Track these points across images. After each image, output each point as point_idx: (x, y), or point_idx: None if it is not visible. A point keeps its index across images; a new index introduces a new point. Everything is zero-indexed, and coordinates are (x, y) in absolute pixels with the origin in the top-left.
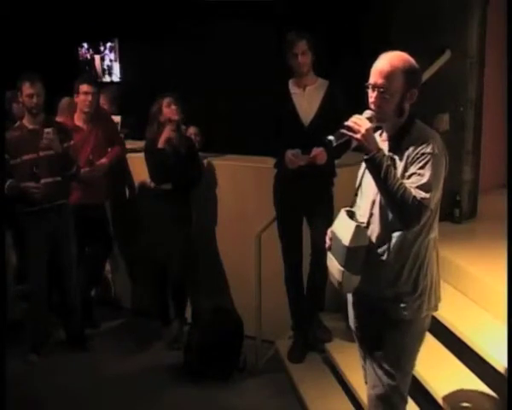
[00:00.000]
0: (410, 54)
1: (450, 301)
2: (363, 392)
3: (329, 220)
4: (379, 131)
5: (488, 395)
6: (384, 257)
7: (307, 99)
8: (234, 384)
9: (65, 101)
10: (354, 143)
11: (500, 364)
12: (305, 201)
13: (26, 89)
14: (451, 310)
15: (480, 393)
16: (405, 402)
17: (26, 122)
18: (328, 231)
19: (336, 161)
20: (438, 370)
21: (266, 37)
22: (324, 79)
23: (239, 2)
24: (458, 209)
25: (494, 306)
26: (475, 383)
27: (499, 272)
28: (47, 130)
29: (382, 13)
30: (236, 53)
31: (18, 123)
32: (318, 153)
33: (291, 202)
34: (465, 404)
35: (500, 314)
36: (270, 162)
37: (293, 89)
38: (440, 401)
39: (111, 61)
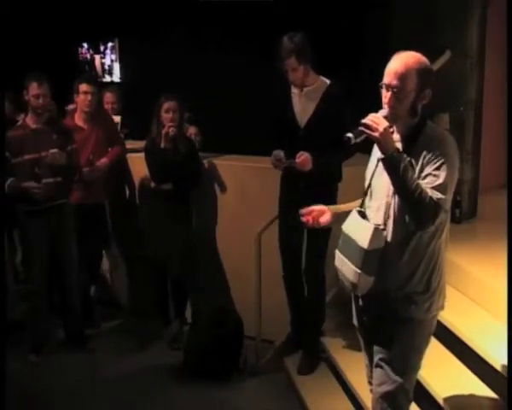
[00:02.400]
0: None
1: (451, 302)
2: (363, 392)
3: (327, 230)
4: (395, 135)
5: (488, 395)
6: (399, 258)
7: (304, 100)
8: (234, 384)
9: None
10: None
11: (500, 364)
12: (305, 205)
13: (33, 89)
14: (451, 310)
15: (481, 393)
16: (410, 402)
17: (29, 121)
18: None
19: None
20: (438, 370)
21: (266, 37)
22: (325, 78)
23: (239, 2)
24: (458, 209)
25: (494, 306)
26: (475, 383)
27: (499, 272)
28: (52, 151)
29: (382, 13)
30: (236, 53)
31: (20, 121)
32: (302, 159)
33: (291, 206)
34: (465, 404)
35: (500, 314)
36: (270, 162)
37: (292, 88)
38: (440, 402)
39: (111, 61)
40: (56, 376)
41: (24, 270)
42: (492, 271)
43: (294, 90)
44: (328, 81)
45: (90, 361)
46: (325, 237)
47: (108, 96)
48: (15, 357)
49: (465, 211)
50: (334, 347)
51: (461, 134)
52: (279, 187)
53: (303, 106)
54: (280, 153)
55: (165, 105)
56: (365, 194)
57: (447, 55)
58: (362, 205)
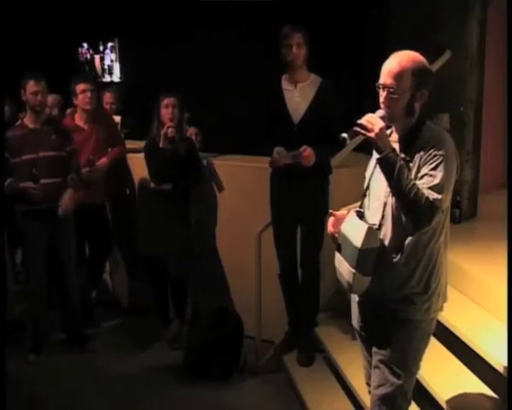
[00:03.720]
0: None
1: (450, 302)
2: (363, 392)
3: (322, 222)
4: (388, 131)
5: (488, 395)
6: (396, 259)
7: (298, 96)
8: (234, 384)
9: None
10: (353, 144)
11: (500, 364)
12: (299, 200)
13: (31, 87)
14: (451, 310)
15: (481, 393)
16: (408, 404)
17: (28, 121)
18: (331, 219)
19: (337, 162)
20: (437, 370)
21: (265, 37)
22: (320, 76)
23: (238, 2)
24: (458, 209)
25: (494, 306)
26: (475, 383)
27: (499, 272)
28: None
29: (382, 13)
30: (236, 53)
31: (19, 122)
32: (306, 153)
33: (284, 202)
34: (465, 404)
35: (500, 314)
36: (272, 159)
37: (285, 85)
38: (440, 402)
39: (111, 61)
40: (56, 376)
41: (23, 270)
42: (492, 271)
43: (287, 87)
44: (319, 78)
45: (90, 361)
46: (321, 231)
47: (107, 97)
48: (15, 357)
49: (465, 211)
50: (334, 346)
51: (461, 134)
52: (270, 186)
53: (297, 102)
54: (283, 149)
55: (165, 101)
56: (364, 195)
57: (447, 55)
58: (361, 205)
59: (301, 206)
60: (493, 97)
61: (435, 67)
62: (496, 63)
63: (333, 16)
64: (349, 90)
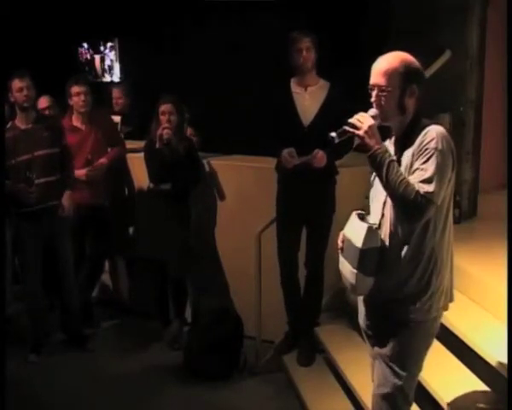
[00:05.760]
0: (411, 54)
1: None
2: (363, 392)
3: (328, 223)
4: (393, 138)
5: (488, 395)
6: (397, 258)
7: (308, 100)
8: (234, 384)
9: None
10: (356, 143)
11: (500, 363)
12: (307, 201)
13: (16, 84)
14: (451, 310)
15: (481, 393)
16: (410, 405)
17: (18, 122)
18: (340, 234)
19: (337, 162)
20: (438, 370)
21: (267, 37)
22: (325, 80)
23: (238, 2)
24: (458, 209)
25: (494, 306)
26: (475, 383)
27: (499, 272)
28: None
29: (382, 13)
30: (236, 53)
31: (10, 123)
32: (319, 156)
33: (292, 203)
34: (465, 404)
35: (500, 314)
36: (270, 162)
37: (294, 88)
38: (440, 402)
39: (111, 61)
40: (56, 376)
41: (20, 271)
42: (492, 271)
43: (297, 90)
44: (328, 83)
45: (90, 361)
46: (327, 232)
47: (115, 92)
48: (15, 357)
49: (465, 211)
50: (334, 346)
51: (461, 134)
52: (277, 188)
53: (307, 105)
54: (293, 150)
55: (162, 107)
56: (366, 196)
57: (447, 55)
58: (364, 207)
59: (309, 207)
60: (493, 97)
61: (435, 66)
62: (496, 63)
63: (332, 16)
64: (348, 90)
